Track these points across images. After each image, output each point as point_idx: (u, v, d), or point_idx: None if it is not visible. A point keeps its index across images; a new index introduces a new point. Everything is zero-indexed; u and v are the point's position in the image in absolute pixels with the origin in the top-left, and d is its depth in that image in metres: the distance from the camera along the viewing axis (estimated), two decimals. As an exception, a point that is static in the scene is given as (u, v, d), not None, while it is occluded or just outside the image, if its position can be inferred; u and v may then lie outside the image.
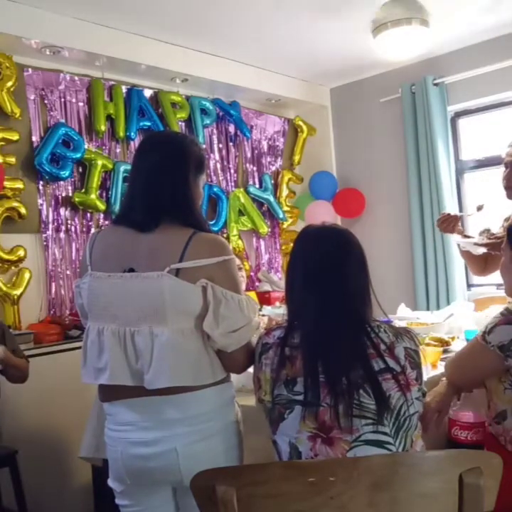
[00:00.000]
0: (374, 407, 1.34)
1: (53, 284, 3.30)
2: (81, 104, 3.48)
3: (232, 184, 4.32)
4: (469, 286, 4.15)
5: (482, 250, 2.62)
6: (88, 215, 3.48)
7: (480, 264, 2.74)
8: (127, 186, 1.63)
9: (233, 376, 1.60)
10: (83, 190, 3.41)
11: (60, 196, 3.36)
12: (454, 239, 2.88)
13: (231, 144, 4.32)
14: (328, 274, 1.46)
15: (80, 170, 3.45)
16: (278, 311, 2.23)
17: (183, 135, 1.87)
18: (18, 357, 2.40)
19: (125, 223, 1.53)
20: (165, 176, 1.53)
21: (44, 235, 3.28)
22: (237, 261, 3.43)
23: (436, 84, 4.10)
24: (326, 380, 1.36)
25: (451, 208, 4.04)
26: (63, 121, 3.37)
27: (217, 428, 1.50)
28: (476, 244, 2.60)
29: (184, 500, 1.53)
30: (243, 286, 1.93)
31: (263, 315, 2.64)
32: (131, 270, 1.46)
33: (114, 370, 1.45)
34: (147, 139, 1.74)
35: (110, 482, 1.58)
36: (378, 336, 1.41)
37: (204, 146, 4.08)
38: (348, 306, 1.45)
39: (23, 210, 3.11)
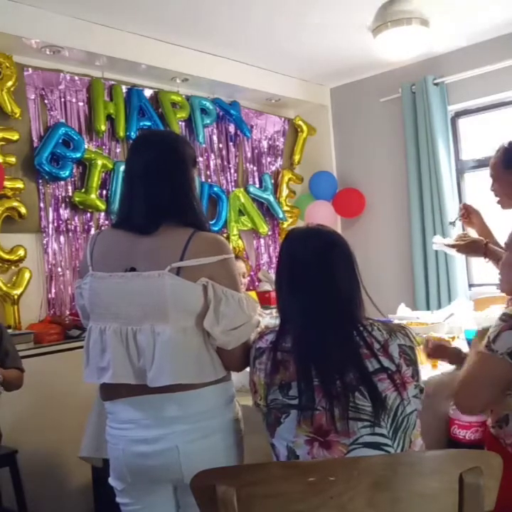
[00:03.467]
0: (370, 408, 1.33)
1: (53, 284, 3.30)
2: (81, 103, 3.48)
3: (232, 184, 4.32)
4: (470, 285, 4.15)
5: (454, 251, 2.64)
6: (88, 214, 3.48)
7: None
8: (124, 188, 1.61)
9: (233, 376, 1.60)
10: (83, 189, 3.42)
11: (60, 196, 3.36)
12: (434, 245, 2.87)
13: (231, 143, 4.32)
14: (315, 275, 1.44)
15: (80, 170, 3.45)
16: (274, 321, 2.22)
17: (174, 134, 1.86)
18: (12, 363, 2.39)
19: (125, 227, 1.53)
20: (163, 178, 1.52)
21: (44, 235, 3.28)
22: (243, 267, 3.39)
23: (436, 84, 4.10)
24: (320, 384, 1.35)
25: (451, 208, 4.04)
26: (63, 121, 3.37)
27: (217, 426, 1.50)
28: (447, 245, 2.62)
29: (185, 498, 1.54)
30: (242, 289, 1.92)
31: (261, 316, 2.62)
32: (133, 270, 1.47)
33: (116, 368, 1.46)
34: (139, 138, 1.73)
35: (111, 480, 1.58)
36: (371, 334, 1.39)
37: (204, 145, 4.08)
38: (336, 306, 1.43)
39: (23, 210, 3.11)
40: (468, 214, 2.69)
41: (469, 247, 2.51)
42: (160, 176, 1.52)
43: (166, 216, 1.50)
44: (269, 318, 2.63)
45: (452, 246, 2.58)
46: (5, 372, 2.31)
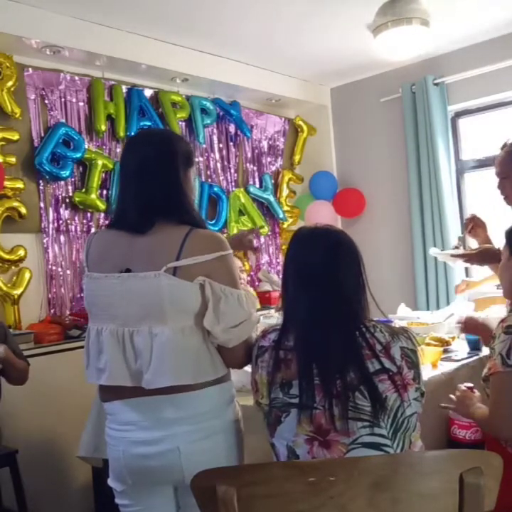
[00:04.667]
0: (370, 408, 1.33)
1: (53, 284, 3.30)
2: (81, 103, 3.48)
3: (233, 184, 4.32)
4: (469, 286, 4.15)
5: (459, 262, 2.54)
6: (88, 215, 3.48)
7: None
8: (118, 189, 1.62)
9: (233, 376, 1.60)
10: (83, 189, 3.42)
11: (60, 196, 3.36)
12: (431, 252, 2.85)
13: (231, 143, 4.32)
14: (321, 275, 1.44)
15: (80, 170, 3.45)
16: (270, 321, 2.21)
17: (168, 132, 1.84)
18: (18, 358, 2.40)
19: (120, 227, 1.53)
20: (156, 176, 1.51)
21: (44, 235, 3.28)
22: (239, 263, 3.38)
23: (436, 84, 4.10)
24: (321, 383, 1.35)
25: (451, 208, 4.04)
26: (63, 121, 3.37)
27: (218, 427, 1.50)
28: (452, 255, 2.54)
29: (185, 499, 1.53)
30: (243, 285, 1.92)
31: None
32: (128, 271, 1.46)
33: (112, 370, 1.46)
34: (134, 136, 1.73)
35: (110, 482, 1.58)
36: (374, 336, 1.39)
37: (204, 145, 4.08)
38: (342, 306, 1.43)
39: (23, 210, 3.11)
40: (476, 226, 2.56)
41: (482, 256, 2.38)
42: (155, 174, 1.51)
43: (160, 214, 1.49)
44: (262, 318, 2.61)
45: (461, 255, 2.47)
46: (10, 354, 2.30)
